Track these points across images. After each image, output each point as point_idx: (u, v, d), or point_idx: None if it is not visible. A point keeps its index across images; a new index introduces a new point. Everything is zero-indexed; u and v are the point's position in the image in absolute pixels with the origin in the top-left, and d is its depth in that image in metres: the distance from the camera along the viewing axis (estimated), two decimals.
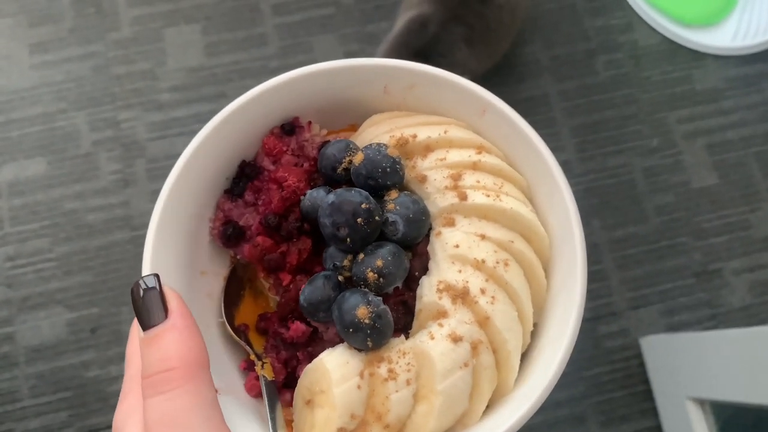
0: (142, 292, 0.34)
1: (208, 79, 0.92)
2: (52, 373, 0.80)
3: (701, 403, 0.72)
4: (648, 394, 0.82)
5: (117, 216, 0.85)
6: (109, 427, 0.78)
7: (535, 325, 0.43)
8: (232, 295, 0.48)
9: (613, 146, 0.91)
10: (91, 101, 0.90)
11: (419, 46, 0.77)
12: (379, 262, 0.40)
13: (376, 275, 0.40)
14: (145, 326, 0.33)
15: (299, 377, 0.42)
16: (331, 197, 0.41)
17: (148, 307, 0.33)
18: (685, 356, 0.75)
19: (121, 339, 0.81)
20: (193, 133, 0.44)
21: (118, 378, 0.80)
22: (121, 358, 0.80)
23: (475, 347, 0.40)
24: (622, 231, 0.87)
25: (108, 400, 0.79)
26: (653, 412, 0.81)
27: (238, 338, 0.46)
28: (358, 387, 0.39)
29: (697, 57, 0.95)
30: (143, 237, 0.89)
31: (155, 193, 0.85)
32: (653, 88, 0.94)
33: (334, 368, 0.39)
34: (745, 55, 0.95)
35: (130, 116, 0.90)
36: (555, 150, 0.92)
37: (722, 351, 0.69)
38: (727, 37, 0.95)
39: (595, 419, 0.81)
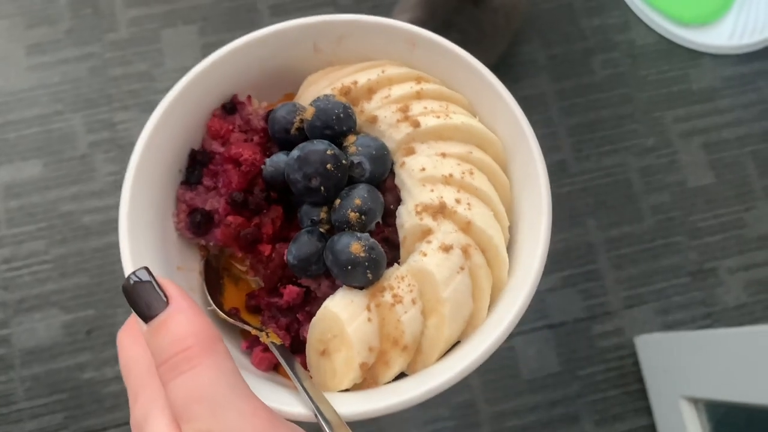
0: (134, 286, 0.33)
1: None
2: (48, 375, 0.80)
3: (695, 402, 0.73)
4: (642, 393, 0.82)
5: (113, 218, 0.86)
6: (105, 429, 0.78)
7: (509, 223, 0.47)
8: (213, 286, 0.48)
9: (609, 145, 0.91)
10: (88, 103, 0.90)
11: None
12: (358, 201, 0.42)
13: (357, 214, 0.42)
14: (147, 318, 0.33)
15: (304, 339, 0.43)
16: (296, 152, 0.42)
17: (146, 300, 0.33)
18: (679, 355, 0.75)
19: None
20: None
21: (114, 380, 0.80)
22: (116, 359, 0.80)
23: (465, 251, 0.42)
24: (618, 230, 0.88)
25: (103, 402, 0.79)
26: (647, 411, 0.81)
27: (233, 320, 0.46)
28: (369, 320, 0.41)
29: (693, 56, 0.95)
30: None
31: None
32: (650, 87, 0.94)
33: (341, 310, 0.41)
34: (742, 54, 0.95)
35: (126, 118, 0.90)
36: (551, 149, 0.92)
37: (716, 350, 0.69)
38: (723, 36, 0.95)
39: (590, 418, 0.81)
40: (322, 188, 0.42)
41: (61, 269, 0.83)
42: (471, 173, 0.44)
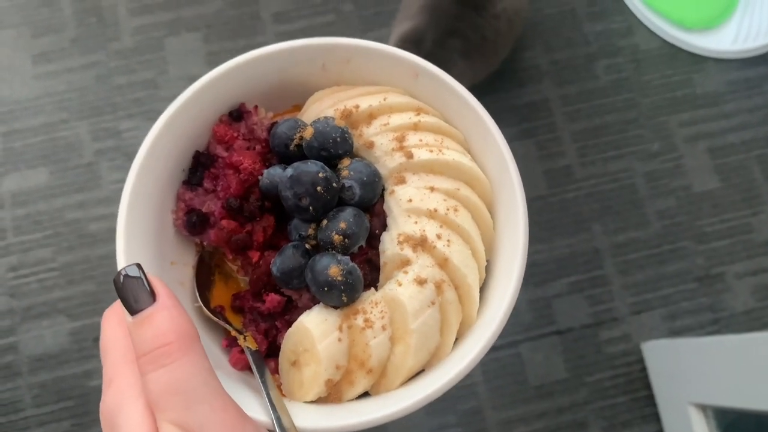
0: (125, 281, 0.35)
1: None
2: (55, 382, 0.80)
3: (703, 408, 0.72)
4: (650, 400, 0.81)
5: None
6: None
7: (488, 261, 0.48)
8: (203, 281, 0.50)
9: (614, 151, 0.91)
10: (93, 111, 0.91)
11: None
12: (343, 225, 0.44)
13: (341, 237, 0.43)
14: (134, 311, 0.35)
15: (281, 344, 0.45)
16: (290, 171, 0.44)
17: (134, 294, 0.35)
18: (687, 361, 0.75)
19: None
20: None
21: None
22: None
23: (438, 286, 0.44)
24: (624, 236, 0.87)
25: None
26: (655, 417, 0.81)
27: (216, 318, 0.48)
28: (339, 340, 0.42)
29: (697, 60, 0.95)
30: None
31: None
32: (654, 92, 0.94)
33: (315, 326, 0.42)
34: (746, 59, 0.95)
35: (131, 126, 0.90)
36: (556, 155, 0.92)
37: (724, 357, 0.68)
38: (727, 40, 0.95)
39: (597, 425, 0.81)
40: (311, 208, 0.44)
41: (68, 277, 0.84)
42: (456, 210, 0.46)
